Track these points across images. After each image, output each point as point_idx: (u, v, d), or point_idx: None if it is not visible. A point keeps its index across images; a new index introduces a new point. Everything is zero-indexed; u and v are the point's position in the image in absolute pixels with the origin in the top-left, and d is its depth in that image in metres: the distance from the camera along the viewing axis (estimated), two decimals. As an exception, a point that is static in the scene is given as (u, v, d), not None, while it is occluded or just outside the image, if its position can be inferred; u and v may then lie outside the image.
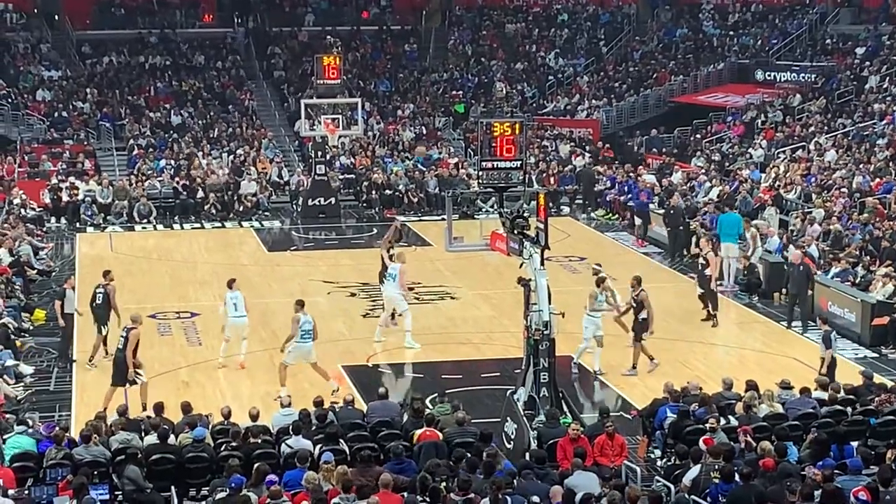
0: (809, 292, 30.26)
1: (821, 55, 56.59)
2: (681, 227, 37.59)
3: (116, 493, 18.94)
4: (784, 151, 45.74)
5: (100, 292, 27.89)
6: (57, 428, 20.29)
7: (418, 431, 20.01)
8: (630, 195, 43.80)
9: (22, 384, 26.29)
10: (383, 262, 30.51)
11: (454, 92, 59.73)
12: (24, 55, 59.05)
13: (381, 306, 31.03)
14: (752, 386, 21.77)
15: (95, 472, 18.70)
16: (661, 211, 39.46)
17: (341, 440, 19.73)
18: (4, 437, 20.62)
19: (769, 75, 56.28)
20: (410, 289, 32.91)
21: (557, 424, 20.21)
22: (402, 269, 28.91)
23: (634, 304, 26.79)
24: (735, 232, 34.27)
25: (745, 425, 19.90)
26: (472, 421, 21.07)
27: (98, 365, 27.26)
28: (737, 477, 17.25)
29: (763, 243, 34.74)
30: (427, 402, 22.60)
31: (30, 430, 20.40)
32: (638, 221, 40.50)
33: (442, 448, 19.40)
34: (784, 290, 32.34)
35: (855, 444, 19.61)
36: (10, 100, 54.69)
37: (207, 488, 18.89)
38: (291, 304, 27.68)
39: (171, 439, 19.95)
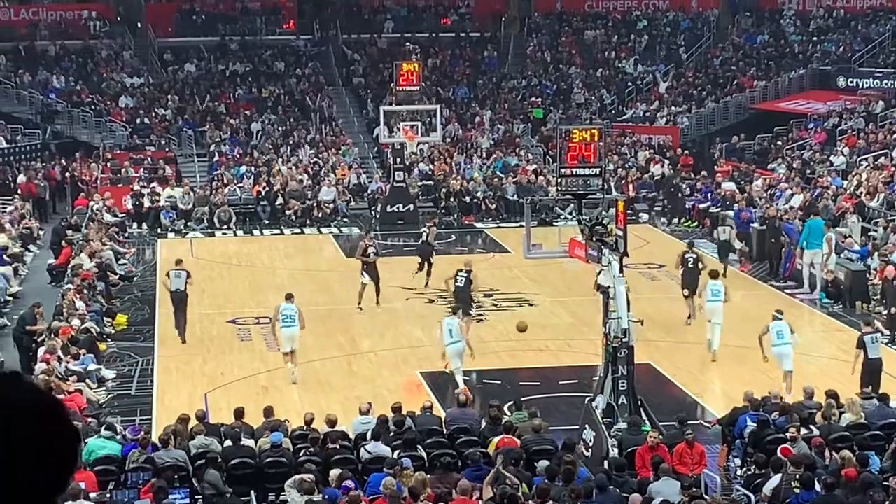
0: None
1: (904, 62, 56.03)
2: (773, 240, 36.80)
3: (196, 496, 19.11)
4: (866, 159, 45.26)
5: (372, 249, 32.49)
6: (142, 432, 20.49)
7: (496, 439, 20.00)
8: (709, 202, 43.64)
9: (104, 388, 26.55)
10: None
11: (532, 98, 59.64)
12: (108, 62, 59.74)
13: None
14: (831, 395, 21.56)
15: (176, 476, 18.86)
16: (759, 226, 38.20)
17: (419, 446, 19.75)
18: (86, 440, 20.85)
19: (851, 82, 55.70)
20: (488, 295, 33.11)
21: (639, 432, 20.12)
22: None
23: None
24: (821, 238, 33.95)
25: (824, 435, 19.71)
26: (550, 428, 21.04)
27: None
28: (818, 486, 17.09)
29: (838, 252, 34.32)
30: (505, 408, 22.57)
31: (117, 437, 20.57)
32: (739, 244, 38.19)
33: (520, 455, 19.37)
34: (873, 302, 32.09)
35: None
36: (93, 106, 55.34)
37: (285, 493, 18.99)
38: (369, 312, 28.08)
39: (251, 443, 20.10)
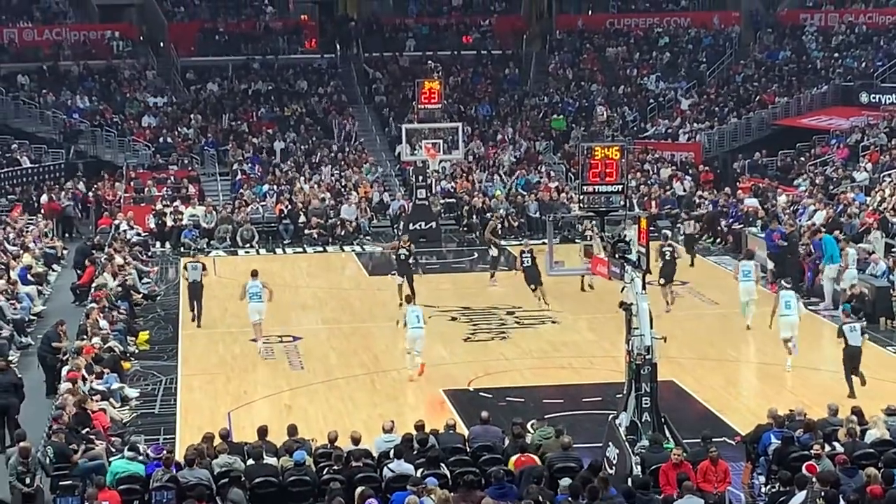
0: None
1: (927, 77, 55.90)
2: (790, 255, 36.93)
3: (220, 515, 19.13)
4: (889, 174, 45.11)
5: (404, 251, 34.91)
6: (165, 451, 20.49)
7: (513, 458, 19.96)
8: (732, 218, 43.64)
9: (127, 407, 26.60)
10: None
11: (555, 116, 59.63)
12: (130, 82, 60.01)
13: (483, 330, 31.51)
14: (855, 412, 21.47)
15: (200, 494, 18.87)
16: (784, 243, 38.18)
17: (443, 464, 19.73)
18: (111, 459, 20.89)
19: (874, 97, 55.52)
20: (511, 312, 33.16)
21: (661, 450, 20.04)
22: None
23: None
24: (835, 252, 34.09)
25: (849, 452, 19.62)
26: (574, 446, 20.98)
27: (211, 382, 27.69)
28: (843, 504, 17.04)
29: (862, 268, 34.28)
30: (528, 426, 22.53)
31: (140, 458, 20.55)
32: (770, 265, 37.46)
33: (541, 474, 19.32)
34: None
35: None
36: (116, 126, 55.56)
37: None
38: (392, 329, 28.20)
39: (274, 462, 20.12)
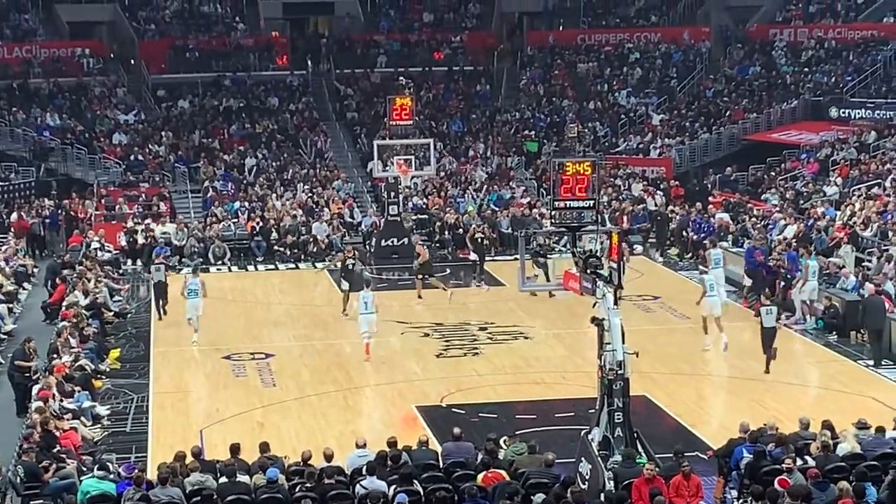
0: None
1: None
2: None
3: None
4: (859, 189, 45.30)
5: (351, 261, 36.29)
6: (136, 470, 20.39)
7: (480, 475, 19.91)
8: (703, 234, 43.69)
9: (99, 426, 26.47)
10: None
11: (526, 132, 59.68)
12: (101, 99, 59.79)
13: (455, 346, 31.51)
14: (827, 426, 21.53)
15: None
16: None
17: (415, 481, 19.69)
18: (81, 478, 20.78)
19: (843, 112, 55.79)
20: (483, 328, 33.15)
21: (634, 465, 20.05)
22: None
23: None
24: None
25: (821, 466, 19.66)
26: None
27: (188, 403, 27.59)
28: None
29: (832, 282, 34.51)
30: (501, 442, 22.52)
31: (110, 476, 20.44)
32: (748, 282, 37.41)
33: (517, 490, 19.30)
34: (863, 329, 32.06)
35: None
36: (87, 143, 55.36)
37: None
38: (363, 345, 28.13)
39: (246, 479, 20.04)
